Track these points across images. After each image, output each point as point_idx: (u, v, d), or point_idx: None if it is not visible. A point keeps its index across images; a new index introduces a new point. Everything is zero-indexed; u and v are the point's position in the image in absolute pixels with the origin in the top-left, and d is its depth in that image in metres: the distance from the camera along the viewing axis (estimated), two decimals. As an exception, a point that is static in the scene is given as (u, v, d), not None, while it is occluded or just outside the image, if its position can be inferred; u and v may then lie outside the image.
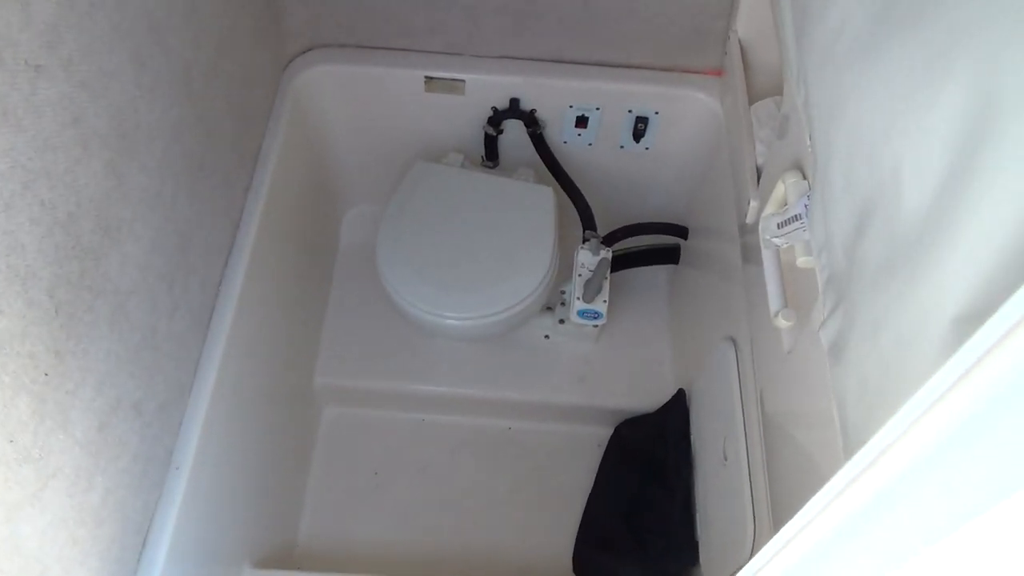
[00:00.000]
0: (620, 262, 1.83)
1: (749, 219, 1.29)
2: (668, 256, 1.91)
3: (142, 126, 0.98)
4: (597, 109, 1.70)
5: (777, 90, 1.44)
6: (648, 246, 1.88)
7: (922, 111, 0.55)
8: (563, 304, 1.82)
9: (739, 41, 1.51)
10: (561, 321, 1.82)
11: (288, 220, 1.57)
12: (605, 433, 1.81)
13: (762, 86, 1.50)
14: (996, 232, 0.44)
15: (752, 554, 1.15)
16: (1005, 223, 0.44)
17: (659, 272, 1.99)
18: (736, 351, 1.35)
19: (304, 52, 1.66)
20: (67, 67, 0.82)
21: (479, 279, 1.56)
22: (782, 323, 1.03)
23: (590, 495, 1.74)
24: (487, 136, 1.76)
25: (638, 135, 1.74)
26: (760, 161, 1.32)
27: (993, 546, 0.32)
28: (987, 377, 0.29)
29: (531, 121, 1.72)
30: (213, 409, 1.20)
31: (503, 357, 1.85)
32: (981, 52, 0.49)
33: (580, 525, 1.70)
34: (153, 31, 1.01)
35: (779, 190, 1.06)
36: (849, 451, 0.71)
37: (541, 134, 1.75)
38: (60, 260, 0.82)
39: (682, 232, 1.85)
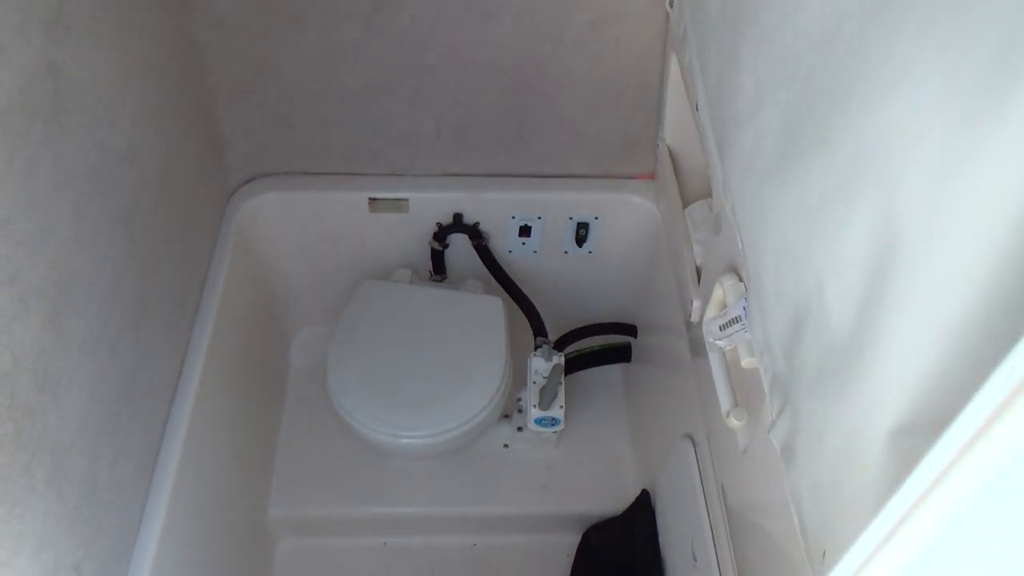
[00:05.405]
0: (574, 364, 1.84)
1: (694, 318, 1.32)
2: (620, 355, 1.93)
3: (81, 276, 0.97)
4: (539, 218, 1.75)
5: (709, 192, 1.51)
6: (600, 346, 1.90)
7: (834, 234, 0.58)
8: (520, 412, 1.81)
9: (668, 148, 1.58)
10: (519, 429, 1.80)
11: (236, 347, 1.55)
12: (573, 540, 1.76)
13: (694, 188, 1.56)
14: (918, 351, 0.47)
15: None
16: (924, 343, 0.46)
17: (613, 371, 2.00)
18: (695, 449, 1.36)
19: (248, 181, 1.68)
20: (3, 227, 0.81)
21: (433, 395, 1.55)
22: (734, 423, 1.04)
23: (563, 609, 1.68)
24: (433, 251, 1.79)
25: (580, 240, 1.79)
26: (699, 261, 1.36)
27: None
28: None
29: (475, 234, 1.76)
30: (160, 557, 1.14)
31: (463, 470, 1.81)
32: (880, 182, 0.52)
33: (556, 642, 1.64)
34: (93, 182, 1.01)
35: (718, 292, 1.10)
36: (811, 556, 0.71)
37: (486, 246, 1.79)
38: (-6, 422, 0.79)
39: (631, 331, 1.87)
